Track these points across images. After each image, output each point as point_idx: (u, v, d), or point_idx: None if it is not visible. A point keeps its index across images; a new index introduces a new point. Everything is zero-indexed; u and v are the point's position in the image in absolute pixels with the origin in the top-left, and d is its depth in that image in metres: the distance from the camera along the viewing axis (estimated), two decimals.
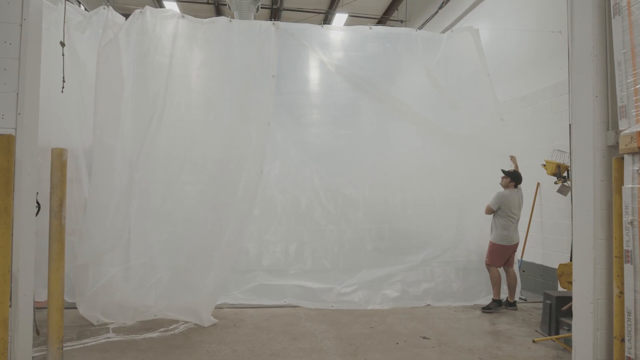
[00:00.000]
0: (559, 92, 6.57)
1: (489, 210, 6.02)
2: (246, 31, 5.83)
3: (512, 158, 6.39)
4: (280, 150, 6.34)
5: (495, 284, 5.90)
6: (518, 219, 6.04)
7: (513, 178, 6.11)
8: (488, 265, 5.98)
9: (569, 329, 4.32)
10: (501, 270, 6.06)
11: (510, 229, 5.93)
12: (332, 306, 5.93)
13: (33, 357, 3.40)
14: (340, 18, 13.20)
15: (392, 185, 6.60)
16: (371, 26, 6.67)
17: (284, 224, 6.55)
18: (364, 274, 6.30)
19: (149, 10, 5.51)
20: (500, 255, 5.95)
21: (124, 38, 5.40)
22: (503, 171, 6.15)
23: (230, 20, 5.78)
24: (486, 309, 5.84)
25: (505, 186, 6.11)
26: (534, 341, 4.75)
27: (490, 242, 6.01)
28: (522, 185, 7.34)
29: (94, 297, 5.11)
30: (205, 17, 5.92)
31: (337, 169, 6.57)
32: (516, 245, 6.07)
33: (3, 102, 3.03)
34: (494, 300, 5.89)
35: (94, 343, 4.47)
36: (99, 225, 5.15)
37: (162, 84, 5.49)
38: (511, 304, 6.03)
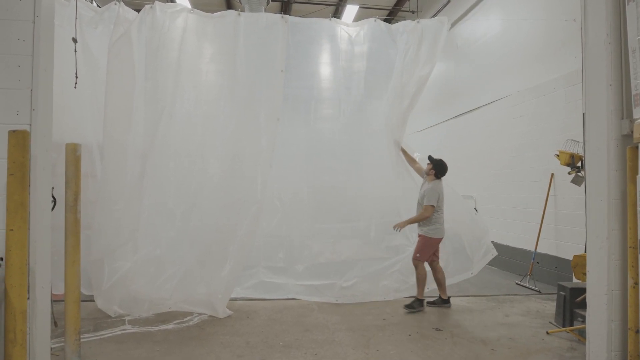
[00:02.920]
0: (572, 81, 6.48)
1: (427, 211, 5.54)
2: (254, 25, 5.78)
3: (402, 150, 6.20)
4: (281, 145, 6.13)
5: (422, 282, 5.59)
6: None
7: (435, 166, 5.73)
8: (417, 260, 5.59)
9: (584, 321, 4.28)
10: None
11: (441, 221, 5.66)
12: (337, 300, 5.91)
13: (51, 348, 3.47)
14: (350, 10, 13.09)
15: (392, 181, 6.50)
16: (376, 18, 6.47)
17: (284, 220, 6.49)
18: (363, 267, 6.21)
19: (158, 5, 5.53)
20: (431, 249, 5.66)
21: (135, 33, 5.43)
22: (430, 158, 5.80)
23: (239, 14, 5.76)
24: (409, 307, 5.49)
25: (427, 173, 5.78)
26: (547, 333, 4.72)
27: (423, 236, 5.61)
28: (537, 176, 7.32)
29: (110, 291, 5.20)
30: (216, 11, 5.92)
31: (338, 165, 6.48)
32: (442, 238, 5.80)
33: (17, 98, 3.07)
34: (417, 299, 5.56)
35: (110, 335, 4.56)
36: (111, 220, 5.22)
37: (173, 78, 5.52)
38: (445, 301, 5.75)
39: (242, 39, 5.73)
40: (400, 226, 5.63)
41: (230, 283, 5.40)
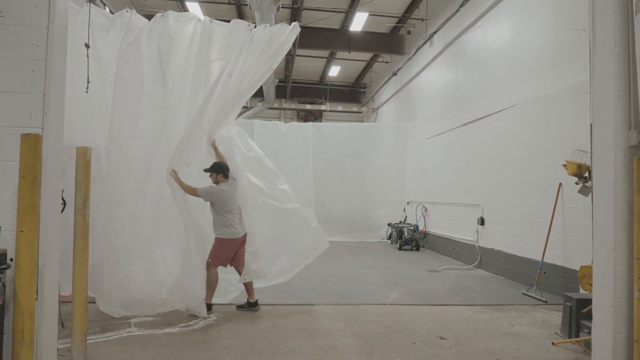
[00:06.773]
0: (582, 91, 6.46)
1: (193, 192, 5.40)
2: (251, 34, 5.75)
3: (214, 147, 5.83)
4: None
5: (210, 287, 5.50)
6: (239, 210, 5.65)
7: (214, 169, 5.55)
8: (209, 265, 5.49)
9: (589, 332, 4.25)
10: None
11: (233, 222, 5.52)
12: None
13: (58, 349, 3.51)
14: (360, 17, 13.16)
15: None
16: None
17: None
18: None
19: (170, 13, 5.61)
20: (225, 252, 5.53)
21: (145, 40, 5.51)
22: (205, 170, 5.59)
23: (248, 25, 5.82)
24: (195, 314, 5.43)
25: (216, 181, 5.56)
26: (553, 343, 4.69)
27: (216, 238, 5.54)
28: (545, 186, 7.29)
29: (111, 293, 5.27)
30: (227, 18, 5.98)
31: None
32: (244, 237, 5.66)
33: (30, 102, 3.14)
34: (205, 304, 5.46)
35: (116, 337, 4.60)
36: (114, 224, 5.29)
37: (181, 85, 5.60)
38: (253, 305, 5.69)
39: (240, 48, 5.79)
40: (173, 174, 5.39)
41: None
